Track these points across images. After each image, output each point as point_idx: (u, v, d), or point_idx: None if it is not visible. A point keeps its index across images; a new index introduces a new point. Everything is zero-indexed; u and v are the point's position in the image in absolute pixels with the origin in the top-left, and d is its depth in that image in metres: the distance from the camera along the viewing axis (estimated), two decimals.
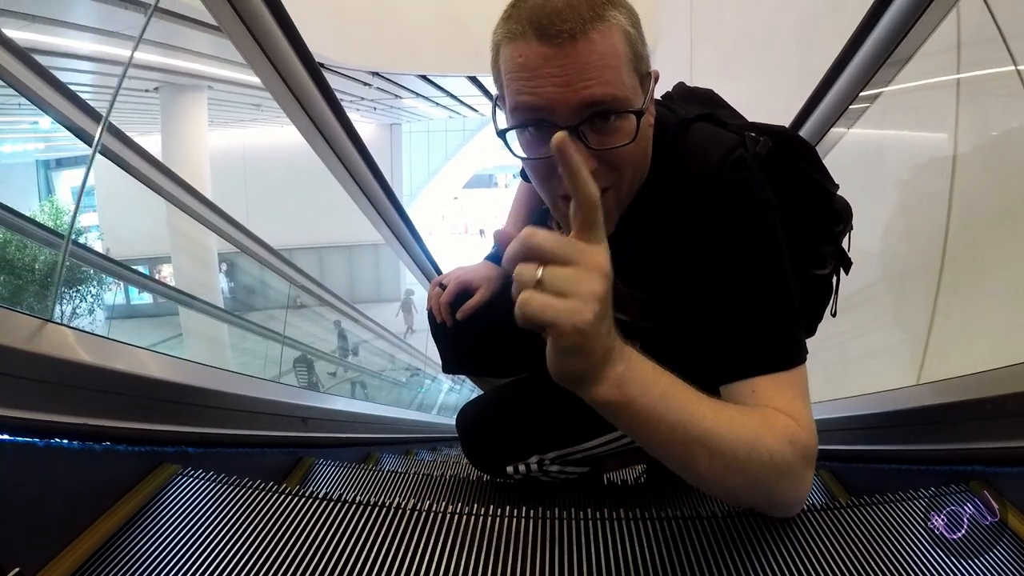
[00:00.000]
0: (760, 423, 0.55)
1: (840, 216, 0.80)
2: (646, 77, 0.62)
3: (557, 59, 0.55)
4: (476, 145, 15.08)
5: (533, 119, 0.59)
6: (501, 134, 0.61)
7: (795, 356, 0.60)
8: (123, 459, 0.64)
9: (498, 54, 0.61)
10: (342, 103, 1.44)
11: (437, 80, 8.70)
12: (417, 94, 9.88)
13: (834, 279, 0.86)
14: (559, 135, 0.43)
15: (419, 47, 6.47)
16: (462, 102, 10.77)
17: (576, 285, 0.43)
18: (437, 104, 11.07)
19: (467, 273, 1.03)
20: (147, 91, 6.96)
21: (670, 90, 0.85)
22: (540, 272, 0.43)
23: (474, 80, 8.30)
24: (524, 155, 0.62)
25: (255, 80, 1.18)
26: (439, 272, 2.43)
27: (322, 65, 1.40)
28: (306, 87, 1.21)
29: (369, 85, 8.25)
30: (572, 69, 0.55)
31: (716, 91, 0.85)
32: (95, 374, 0.63)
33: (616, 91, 0.57)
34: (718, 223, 0.63)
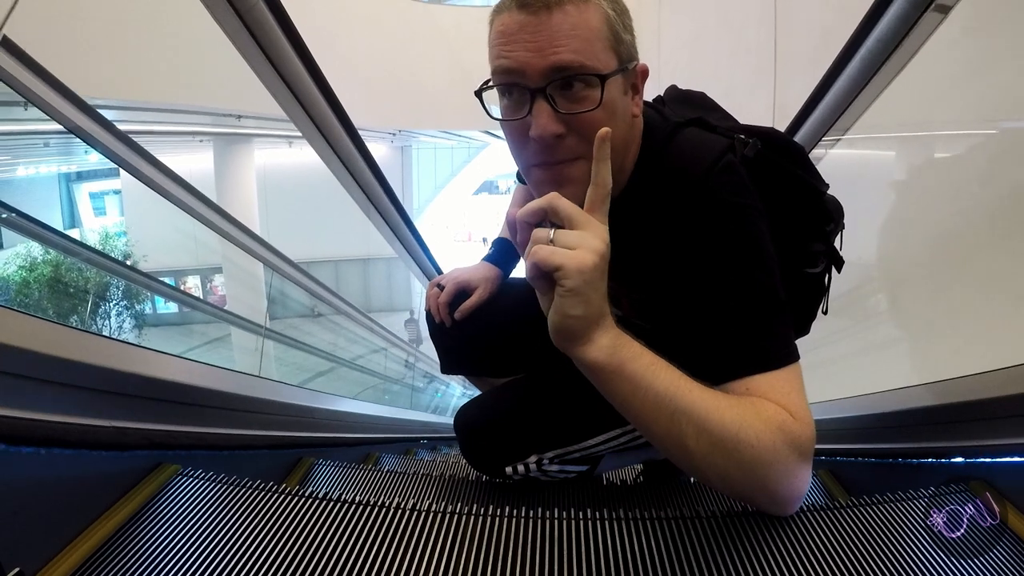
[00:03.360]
0: (748, 408, 0.53)
1: (831, 215, 0.78)
2: (627, 62, 0.62)
3: (532, 26, 0.57)
4: (481, 161, 15.20)
5: (506, 81, 0.60)
6: (478, 94, 0.63)
7: (786, 355, 0.58)
8: (123, 459, 0.62)
9: (490, 30, 0.62)
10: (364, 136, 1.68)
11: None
12: (432, 136, 10.25)
13: (826, 278, 0.83)
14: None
15: (439, 107, 7.29)
16: (472, 139, 11.09)
17: (581, 240, 0.50)
18: (448, 139, 11.36)
19: (465, 273, 1.00)
20: (200, 140, 7.64)
21: (661, 94, 0.83)
22: (552, 233, 0.50)
23: (487, 132, 8.66)
24: (501, 117, 0.63)
25: (296, 133, 1.49)
26: None
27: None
28: (339, 136, 1.48)
29: (394, 135, 8.73)
30: (544, 36, 0.56)
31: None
32: (94, 373, 0.60)
33: (584, 59, 0.57)
34: (704, 228, 0.62)
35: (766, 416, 0.53)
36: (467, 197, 16.61)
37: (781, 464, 0.53)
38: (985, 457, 0.69)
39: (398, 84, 6.89)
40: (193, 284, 8.96)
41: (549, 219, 0.51)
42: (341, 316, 4.65)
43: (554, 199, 0.51)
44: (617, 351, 0.51)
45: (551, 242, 0.50)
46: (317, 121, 1.39)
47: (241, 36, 1.07)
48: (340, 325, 4.96)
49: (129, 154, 1.67)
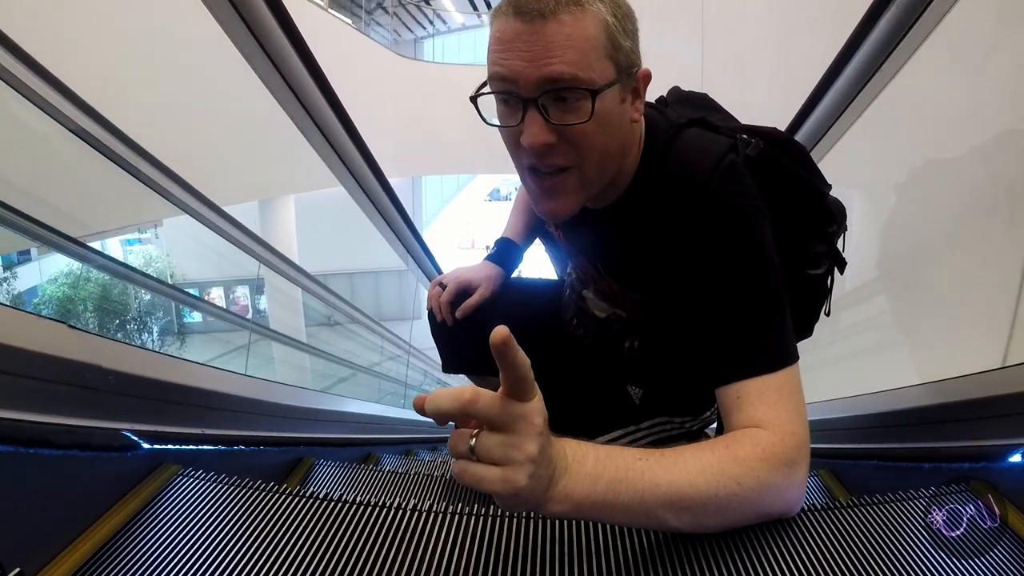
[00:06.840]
0: (722, 456, 0.50)
1: (833, 216, 0.75)
2: (626, 69, 0.58)
3: (527, 35, 0.54)
4: (484, 176, 15.33)
5: (501, 89, 0.57)
6: (473, 99, 0.60)
7: (781, 359, 0.55)
8: (124, 459, 0.59)
9: (490, 32, 0.59)
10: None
11: None
12: None
13: (828, 279, 0.80)
14: (499, 333, 0.41)
15: (454, 154, 7.88)
16: None
17: (508, 452, 0.41)
18: None
19: (467, 272, 0.97)
20: None
21: (664, 95, 0.81)
22: (473, 441, 0.41)
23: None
24: (496, 123, 0.61)
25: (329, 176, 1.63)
26: None
27: None
28: (363, 171, 1.61)
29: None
30: (539, 46, 0.53)
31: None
32: (96, 374, 0.58)
33: (577, 71, 0.54)
34: (705, 229, 0.59)
35: (743, 456, 0.50)
36: (473, 209, 16.77)
37: (769, 491, 0.51)
38: (985, 457, 0.65)
39: (418, 137, 7.54)
40: (217, 295, 8.97)
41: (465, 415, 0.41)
42: (356, 324, 4.68)
43: (468, 405, 0.40)
44: (571, 497, 0.45)
45: (472, 450, 0.41)
46: (347, 163, 1.54)
47: (289, 100, 1.20)
48: (356, 333, 4.97)
49: (201, 207, 2.03)
